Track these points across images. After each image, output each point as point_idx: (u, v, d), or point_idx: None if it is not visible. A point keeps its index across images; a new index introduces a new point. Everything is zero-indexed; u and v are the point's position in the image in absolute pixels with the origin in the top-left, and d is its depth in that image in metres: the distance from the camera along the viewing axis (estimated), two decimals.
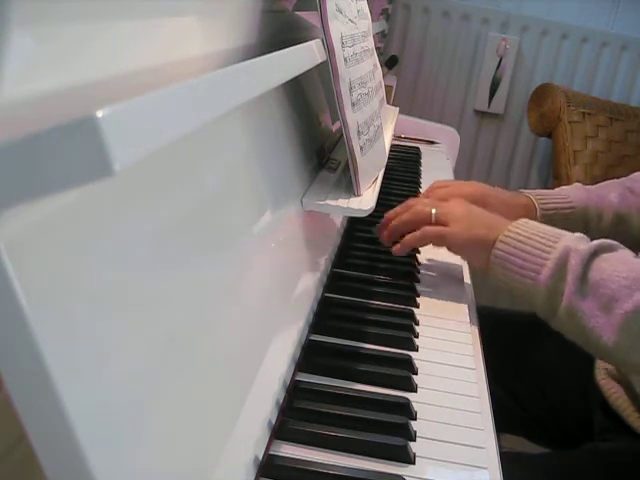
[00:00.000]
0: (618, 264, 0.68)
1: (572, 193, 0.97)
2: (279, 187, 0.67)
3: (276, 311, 0.59)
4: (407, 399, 0.59)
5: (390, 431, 0.55)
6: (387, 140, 1.01)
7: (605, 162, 1.86)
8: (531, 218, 0.83)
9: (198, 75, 0.37)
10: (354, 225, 1.00)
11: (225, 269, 0.50)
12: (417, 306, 0.79)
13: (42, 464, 0.28)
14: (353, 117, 0.75)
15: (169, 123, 0.31)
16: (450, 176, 1.42)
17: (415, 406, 0.59)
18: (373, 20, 1.07)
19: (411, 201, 0.89)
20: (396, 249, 0.85)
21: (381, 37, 1.91)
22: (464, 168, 2.08)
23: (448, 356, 0.69)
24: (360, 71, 0.82)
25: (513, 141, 2.12)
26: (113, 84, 0.37)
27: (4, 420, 0.33)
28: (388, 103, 1.35)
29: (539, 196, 0.96)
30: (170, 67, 0.46)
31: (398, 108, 1.43)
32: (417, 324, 0.75)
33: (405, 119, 1.65)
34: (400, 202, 1.14)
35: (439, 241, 0.83)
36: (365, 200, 0.76)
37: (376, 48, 1.19)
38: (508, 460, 0.58)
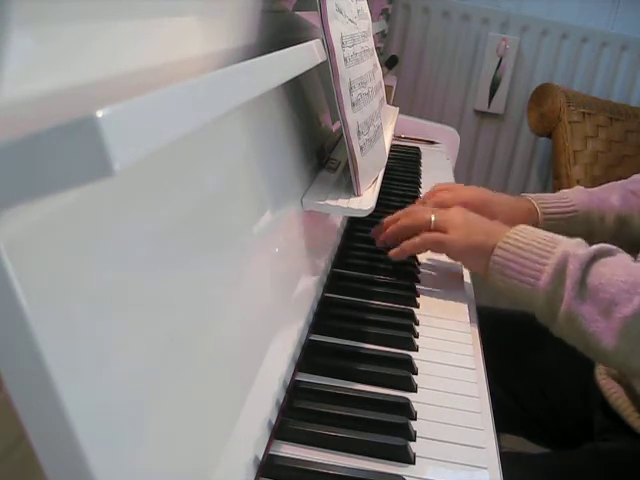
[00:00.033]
0: (617, 268, 0.69)
1: (574, 196, 0.97)
2: (279, 187, 0.67)
3: (276, 311, 0.59)
4: (407, 399, 0.59)
5: (390, 431, 0.55)
6: (387, 140, 1.01)
7: (605, 162, 1.86)
8: (533, 222, 0.83)
9: (198, 75, 0.37)
10: (354, 225, 1.00)
11: (225, 269, 0.50)
12: (417, 306, 0.79)
13: (42, 464, 0.28)
14: (353, 117, 0.75)
15: (169, 123, 0.31)
16: (450, 176, 1.42)
17: (415, 406, 0.59)
18: (373, 20, 1.07)
19: (411, 207, 0.90)
20: (394, 253, 0.85)
21: (381, 37, 1.91)
22: (464, 168, 2.08)
23: (448, 356, 0.69)
24: (360, 71, 0.82)
25: (513, 141, 2.12)
26: (113, 84, 0.37)
27: (4, 420, 0.33)
28: (388, 103, 1.35)
29: (541, 200, 0.96)
30: (170, 67, 0.46)
31: (398, 108, 1.43)
32: (417, 324, 0.75)
33: (405, 119, 1.65)
34: (400, 202, 1.15)
35: (438, 248, 0.84)
36: (365, 200, 0.76)
37: (376, 48, 1.19)
38: (508, 460, 0.58)
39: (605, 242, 0.73)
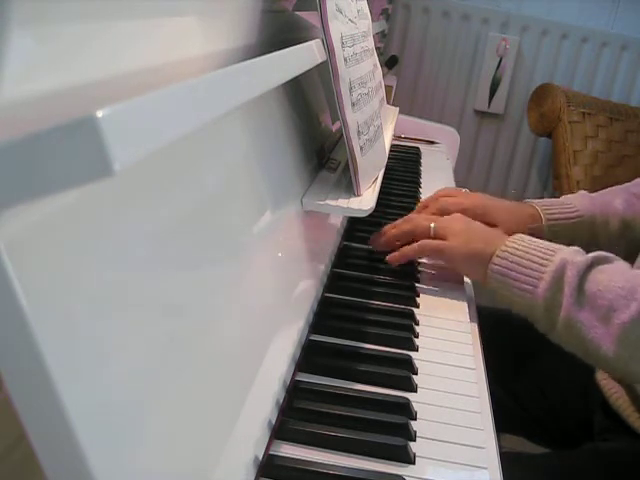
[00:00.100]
0: (614, 275, 0.69)
1: (577, 202, 0.97)
2: (279, 187, 0.67)
3: (276, 311, 0.59)
4: (407, 399, 0.59)
5: (390, 431, 0.55)
6: (387, 140, 1.01)
7: (605, 162, 1.86)
8: (537, 228, 0.83)
9: (198, 75, 0.37)
10: (354, 225, 1.00)
11: (225, 269, 0.50)
12: (417, 306, 0.79)
13: (42, 464, 0.28)
14: (353, 117, 0.75)
15: (169, 123, 0.31)
16: (450, 176, 1.42)
17: (415, 406, 0.59)
18: (373, 20, 1.07)
19: (411, 215, 0.91)
20: (392, 258, 0.85)
21: (381, 37, 1.91)
22: (464, 168, 2.08)
23: (448, 356, 0.69)
24: (360, 71, 0.82)
25: (513, 141, 2.12)
26: (113, 84, 0.37)
27: (4, 420, 0.33)
28: (388, 103, 1.35)
29: (544, 206, 0.95)
30: (170, 67, 0.46)
31: (398, 108, 1.43)
32: (417, 324, 0.75)
33: (405, 119, 1.65)
34: (400, 202, 1.16)
35: (437, 254, 0.84)
36: (365, 200, 0.76)
37: (376, 48, 1.19)
38: (508, 460, 0.58)
39: (609, 247, 0.73)
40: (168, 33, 0.47)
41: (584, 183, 1.80)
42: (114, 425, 0.31)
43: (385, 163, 0.93)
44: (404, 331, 0.72)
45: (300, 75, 0.64)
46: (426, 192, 1.24)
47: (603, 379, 0.88)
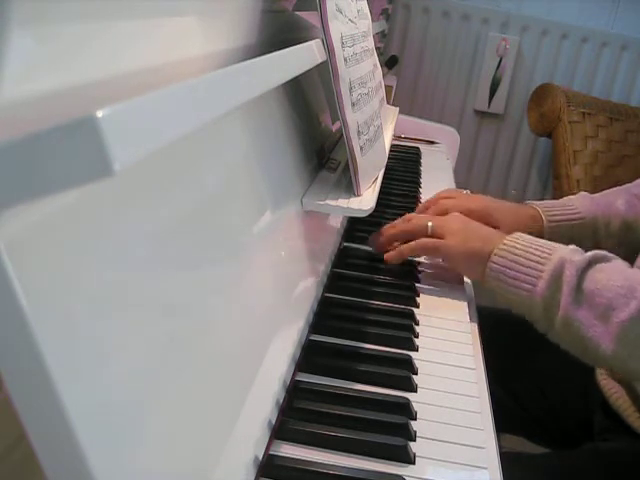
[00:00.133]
0: (613, 274, 0.69)
1: (579, 203, 0.97)
2: (279, 187, 0.67)
3: (276, 311, 0.59)
4: (407, 399, 0.59)
5: (390, 431, 0.55)
6: (387, 140, 1.01)
7: (605, 162, 1.86)
8: (537, 229, 0.83)
9: (198, 75, 0.37)
10: (354, 225, 1.00)
11: (225, 269, 0.50)
12: (417, 306, 0.79)
13: (42, 464, 0.28)
14: (353, 117, 0.75)
15: (169, 123, 0.31)
16: (450, 176, 1.42)
17: (415, 406, 0.59)
18: (373, 20, 1.07)
19: (409, 214, 0.91)
20: (389, 256, 0.85)
21: (381, 37, 1.91)
22: (464, 168, 2.08)
23: (448, 356, 0.69)
24: (360, 71, 0.82)
25: (513, 141, 2.12)
26: (113, 84, 0.37)
27: (4, 420, 0.33)
28: (388, 103, 1.35)
29: (546, 208, 0.95)
30: (170, 67, 0.46)
31: (398, 108, 1.43)
32: (417, 324, 0.75)
33: (405, 119, 1.65)
34: (400, 202, 1.15)
35: (434, 253, 0.85)
36: (365, 200, 0.76)
37: (376, 48, 1.19)
38: (508, 460, 0.58)
39: (610, 248, 0.73)
40: (168, 33, 0.47)
41: (584, 183, 1.80)
42: (114, 425, 0.31)
43: (385, 163, 0.93)
44: (404, 331, 0.72)
45: (300, 75, 0.64)
46: (426, 192, 1.24)
47: (603, 379, 0.88)
